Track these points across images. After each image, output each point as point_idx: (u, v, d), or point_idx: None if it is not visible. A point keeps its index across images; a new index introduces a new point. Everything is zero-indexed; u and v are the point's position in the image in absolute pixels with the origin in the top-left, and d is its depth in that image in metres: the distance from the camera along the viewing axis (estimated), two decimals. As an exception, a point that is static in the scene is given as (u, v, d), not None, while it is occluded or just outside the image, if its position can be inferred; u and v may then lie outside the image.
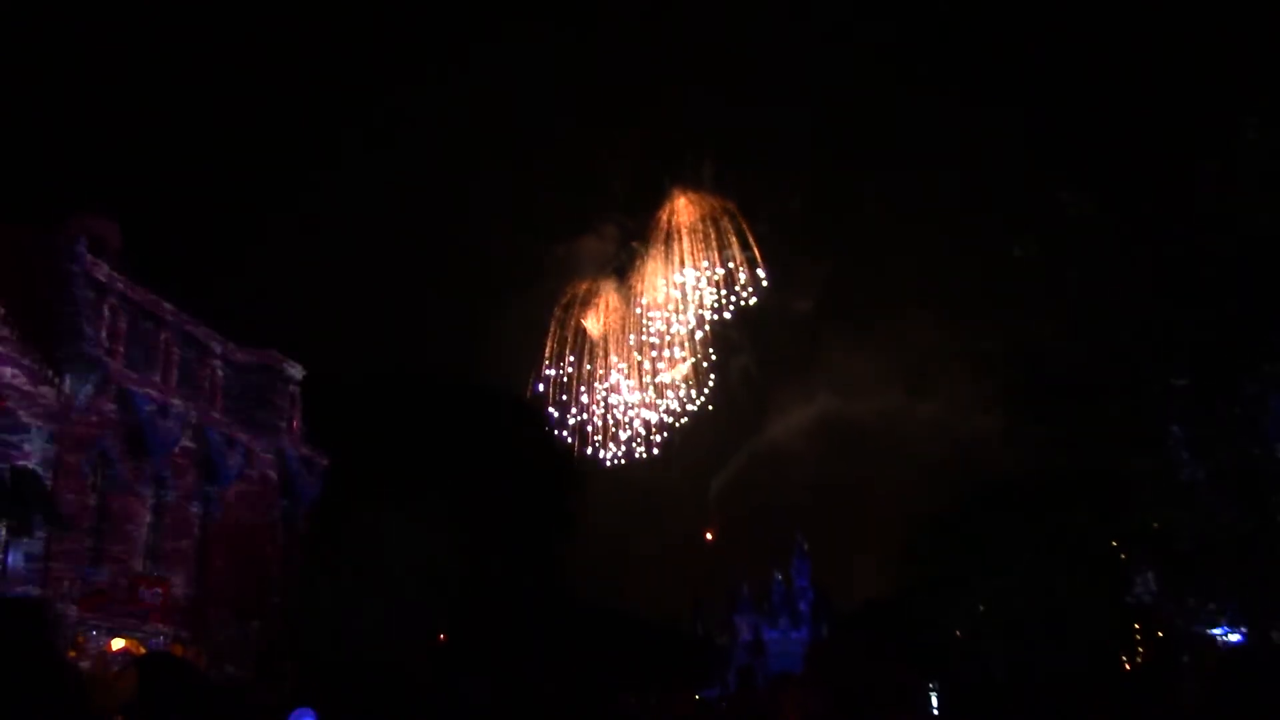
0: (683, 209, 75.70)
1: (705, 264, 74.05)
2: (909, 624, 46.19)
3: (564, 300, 78.63)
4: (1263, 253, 19.67)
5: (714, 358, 77.99)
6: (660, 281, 75.84)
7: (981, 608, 39.09)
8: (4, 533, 34.19)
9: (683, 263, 74.16)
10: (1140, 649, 38.97)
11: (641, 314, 76.86)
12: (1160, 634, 35.93)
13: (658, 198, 76.78)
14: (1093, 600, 34.96)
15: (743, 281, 73.89)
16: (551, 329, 78.07)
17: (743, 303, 73.80)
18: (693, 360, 76.29)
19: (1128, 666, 39.07)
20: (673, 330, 76.05)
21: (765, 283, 74.34)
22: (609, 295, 78.43)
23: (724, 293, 73.82)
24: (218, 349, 45.94)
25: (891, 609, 56.47)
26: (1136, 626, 37.75)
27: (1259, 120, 19.77)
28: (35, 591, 34.08)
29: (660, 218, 75.98)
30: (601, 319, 78.35)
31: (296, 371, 49.18)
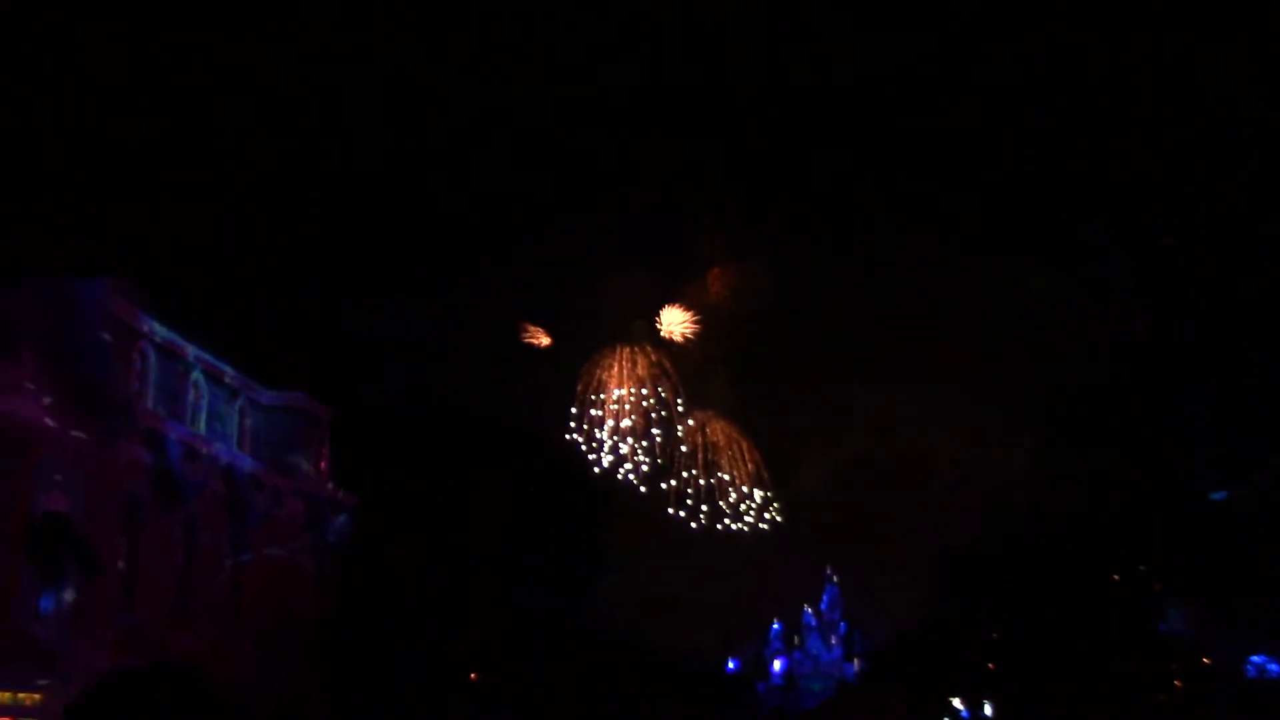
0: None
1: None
2: (941, 656, 45.84)
3: (600, 356, 79.01)
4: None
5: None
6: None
7: (1010, 643, 38.80)
8: (37, 579, 34.39)
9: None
10: (1176, 681, 38.51)
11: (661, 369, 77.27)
12: (1195, 664, 35.54)
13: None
14: (1126, 631, 34.65)
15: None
16: (589, 373, 78.41)
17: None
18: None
19: (1164, 698, 38.60)
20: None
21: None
22: (638, 350, 78.83)
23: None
24: (245, 392, 46.24)
25: (924, 641, 56.03)
26: (1169, 658, 37.37)
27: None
28: (61, 635, 34.30)
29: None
30: (629, 370, 78.70)
31: (324, 413, 49.44)
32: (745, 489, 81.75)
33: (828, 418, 76.66)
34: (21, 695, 33.24)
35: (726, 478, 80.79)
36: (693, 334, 76.60)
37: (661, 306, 77.51)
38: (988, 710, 57.49)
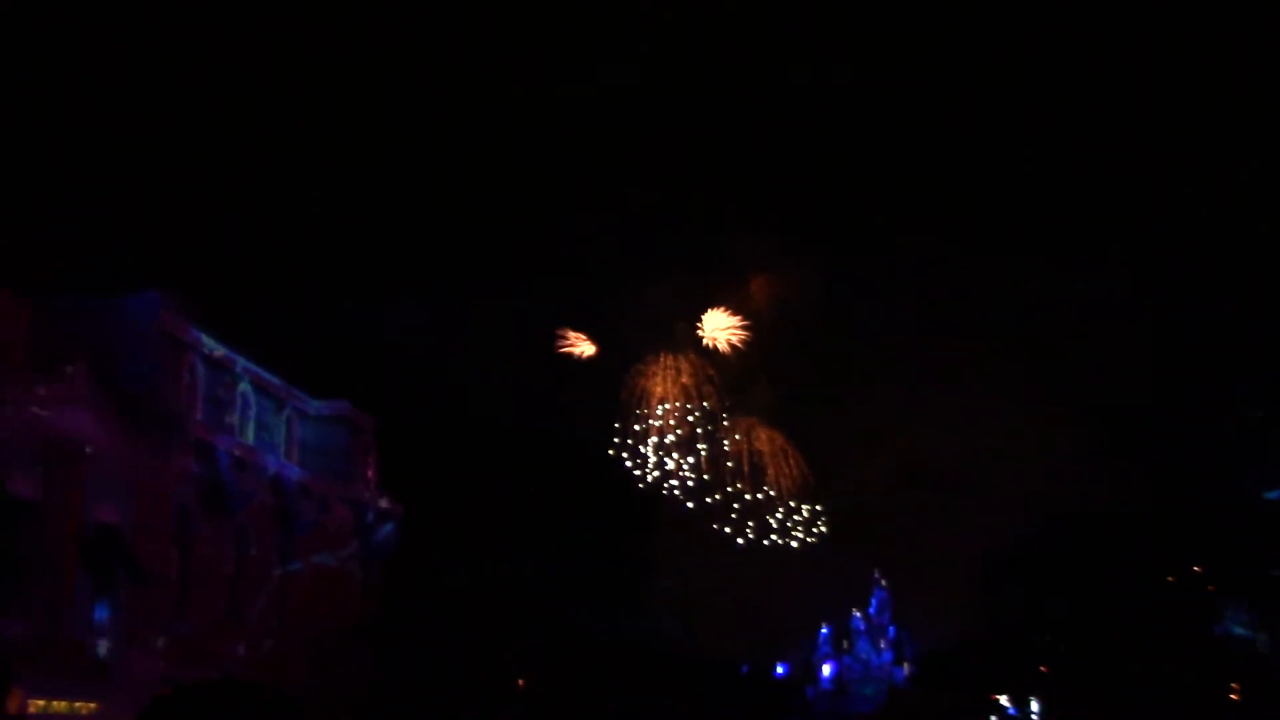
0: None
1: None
2: (992, 659, 45.43)
3: (643, 365, 78.98)
4: None
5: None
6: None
7: (1062, 646, 38.37)
8: (90, 590, 34.84)
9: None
10: (1232, 683, 37.95)
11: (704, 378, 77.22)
12: (1250, 666, 35.01)
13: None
14: (1180, 632, 34.20)
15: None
16: (633, 381, 78.41)
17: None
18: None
19: (1218, 700, 38.05)
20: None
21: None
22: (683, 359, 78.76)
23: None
24: (292, 402, 46.63)
25: (975, 645, 55.56)
26: (1223, 659, 36.81)
27: None
28: (108, 646, 34.70)
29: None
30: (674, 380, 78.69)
31: (370, 421, 49.75)
32: (792, 503, 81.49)
33: (873, 421, 76.16)
34: (78, 705, 33.68)
35: (774, 493, 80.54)
36: (737, 341, 76.46)
37: (704, 313, 77.40)
38: (1034, 707, 57.03)
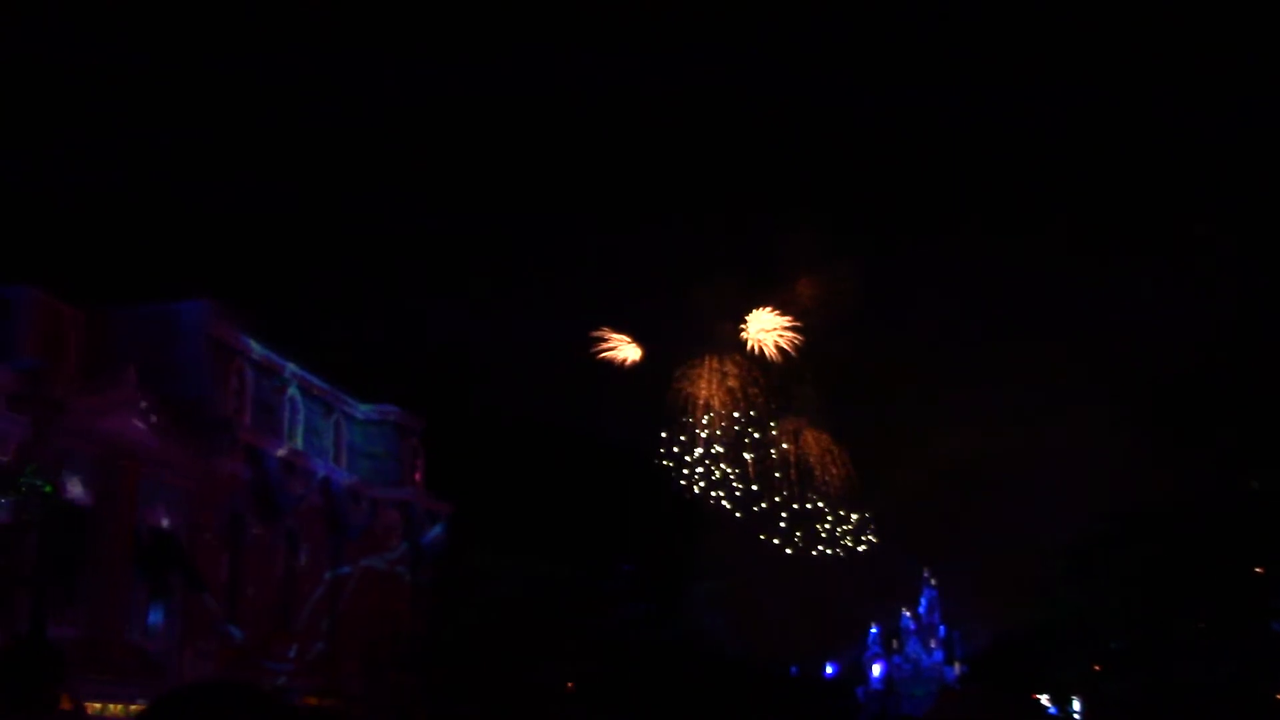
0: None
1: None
2: (1045, 658, 44.91)
3: (688, 367, 78.76)
4: None
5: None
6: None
7: (1114, 643, 37.79)
8: (144, 594, 35.24)
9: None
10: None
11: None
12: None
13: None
14: (1239, 626, 33.60)
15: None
16: (678, 384, 78.22)
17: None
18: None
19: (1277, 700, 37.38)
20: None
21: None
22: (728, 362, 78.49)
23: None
24: (340, 405, 46.93)
25: (1027, 643, 54.97)
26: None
27: None
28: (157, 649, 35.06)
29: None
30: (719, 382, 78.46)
31: (417, 424, 49.98)
32: (840, 511, 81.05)
33: (923, 419, 75.56)
34: (133, 708, 34.06)
35: (821, 505, 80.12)
36: (784, 342, 76.04)
37: (750, 313, 77.05)
38: (1076, 706, 56.42)
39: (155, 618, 35.72)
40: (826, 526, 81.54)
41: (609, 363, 72.43)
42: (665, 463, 74.14)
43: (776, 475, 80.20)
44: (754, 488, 79.24)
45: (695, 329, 77.91)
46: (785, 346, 75.16)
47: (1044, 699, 58.14)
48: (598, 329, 73.28)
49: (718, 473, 78.48)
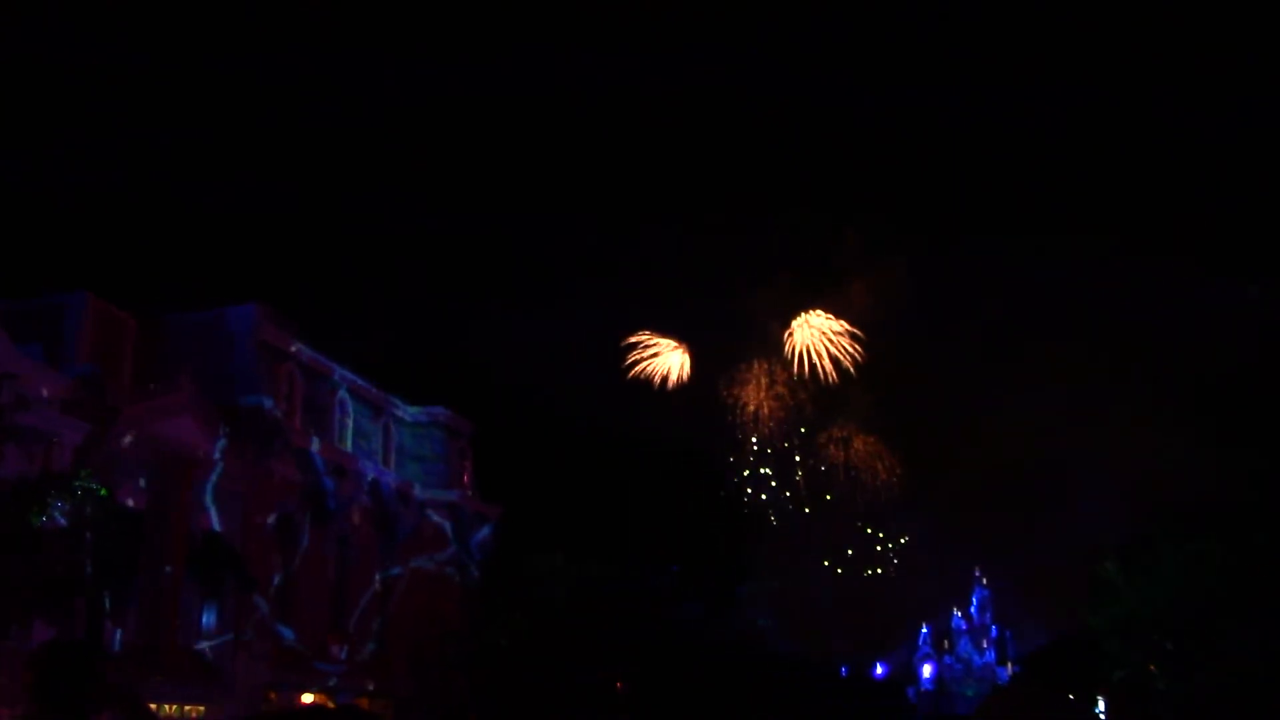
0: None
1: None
2: (1098, 660, 44.39)
3: (739, 372, 78.68)
4: None
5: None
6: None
7: (1170, 645, 37.27)
8: (198, 596, 35.71)
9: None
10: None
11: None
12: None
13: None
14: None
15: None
16: (729, 388, 78.16)
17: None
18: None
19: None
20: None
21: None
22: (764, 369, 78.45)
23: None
24: (389, 408, 47.25)
25: (1079, 645, 54.38)
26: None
27: None
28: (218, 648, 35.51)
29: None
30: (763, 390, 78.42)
31: (466, 426, 50.23)
32: (889, 523, 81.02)
33: (973, 420, 75.09)
34: (188, 708, 34.54)
35: (868, 513, 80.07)
36: (834, 346, 75.70)
37: (799, 318, 76.75)
38: (1100, 706, 55.72)
39: (208, 620, 36.21)
40: (869, 531, 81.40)
41: (648, 378, 72.39)
42: (715, 466, 74.18)
43: (825, 478, 79.93)
44: (804, 492, 79.06)
45: (745, 332, 77.80)
46: (835, 351, 74.89)
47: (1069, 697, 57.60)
48: (640, 333, 73.28)
49: (767, 476, 78.31)
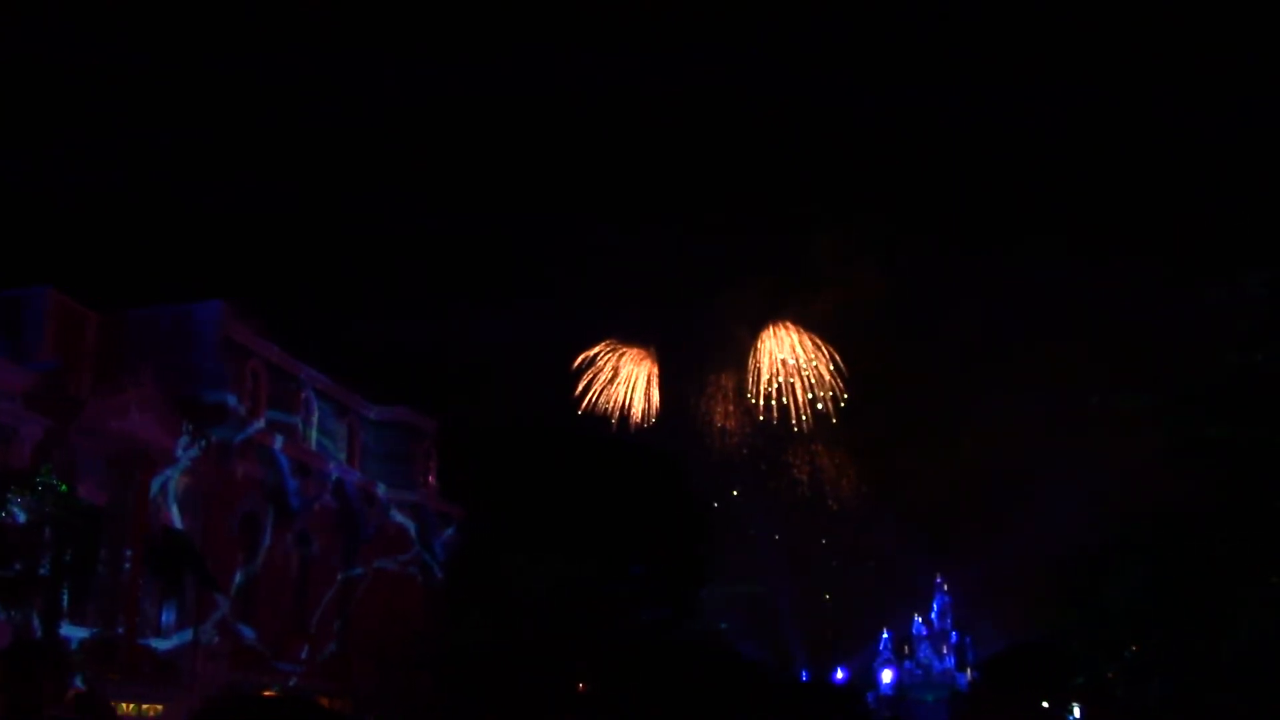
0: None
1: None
2: (1058, 667, 44.67)
3: (706, 373, 78.89)
4: None
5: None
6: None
7: (1135, 648, 37.49)
8: (157, 593, 35.33)
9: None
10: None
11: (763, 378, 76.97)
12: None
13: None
14: (1258, 635, 33.30)
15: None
16: (695, 391, 78.32)
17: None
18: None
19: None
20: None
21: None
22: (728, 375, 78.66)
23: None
24: (353, 407, 46.97)
25: (1039, 651, 54.76)
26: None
27: None
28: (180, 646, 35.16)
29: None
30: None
31: (429, 426, 49.99)
32: (846, 538, 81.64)
33: (937, 427, 75.68)
34: (145, 707, 34.14)
35: (835, 507, 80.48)
36: (805, 352, 75.98)
37: (768, 326, 77.01)
38: (1076, 713, 56.23)
39: (168, 617, 35.84)
40: (841, 542, 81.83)
41: (605, 414, 71.85)
42: (680, 469, 74.20)
43: (790, 488, 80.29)
44: (768, 500, 79.35)
45: (714, 337, 78.01)
46: (802, 361, 75.15)
47: (1044, 705, 58.09)
48: (605, 342, 73.08)
49: (732, 481, 78.55)
